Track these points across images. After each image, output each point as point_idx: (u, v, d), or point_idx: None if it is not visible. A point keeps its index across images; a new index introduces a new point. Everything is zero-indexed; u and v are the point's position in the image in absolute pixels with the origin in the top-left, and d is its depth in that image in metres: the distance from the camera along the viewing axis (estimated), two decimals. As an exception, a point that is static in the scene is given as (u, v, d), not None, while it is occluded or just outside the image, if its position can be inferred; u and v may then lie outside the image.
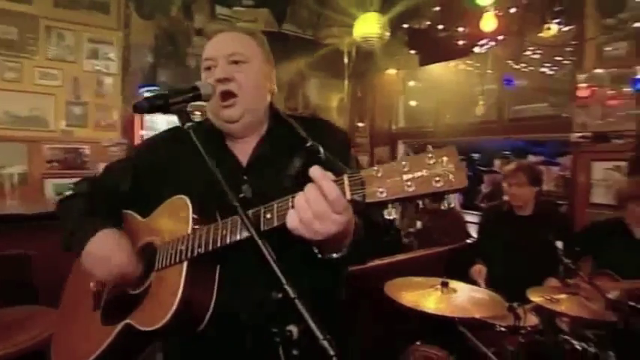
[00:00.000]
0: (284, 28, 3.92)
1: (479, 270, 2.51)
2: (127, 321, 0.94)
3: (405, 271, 2.16)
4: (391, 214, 0.69)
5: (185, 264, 0.87)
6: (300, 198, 0.71)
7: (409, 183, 0.65)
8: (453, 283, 1.93)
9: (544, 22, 3.30)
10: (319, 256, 0.82)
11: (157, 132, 3.24)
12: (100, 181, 1.17)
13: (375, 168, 0.68)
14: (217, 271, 0.90)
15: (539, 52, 3.92)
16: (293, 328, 0.78)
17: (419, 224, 2.86)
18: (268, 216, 0.77)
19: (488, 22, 2.55)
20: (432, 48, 3.59)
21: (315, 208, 0.69)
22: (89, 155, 3.57)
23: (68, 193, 1.16)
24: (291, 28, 3.97)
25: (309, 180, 0.76)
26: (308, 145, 0.93)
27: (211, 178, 0.93)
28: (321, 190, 0.69)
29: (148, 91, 3.62)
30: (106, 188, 1.13)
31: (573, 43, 3.28)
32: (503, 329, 1.94)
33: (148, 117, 3.60)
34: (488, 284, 2.35)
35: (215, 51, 1.02)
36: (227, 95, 0.99)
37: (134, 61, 3.76)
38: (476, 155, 8.19)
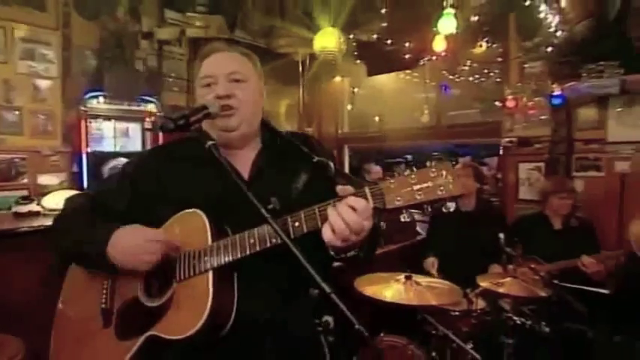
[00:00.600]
0: (236, 35, 3.95)
1: (431, 262, 2.79)
2: (151, 333, 0.96)
3: (369, 268, 2.34)
4: (405, 217, 0.84)
5: (211, 273, 0.92)
6: (332, 212, 0.82)
7: (419, 192, 0.81)
8: (415, 277, 2.15)
9: (476, 40, 3.71)
10: (335, 256, 0.92)
11: (104, 139, 3.14)
12: (97, 197, 1.16)
13: (391, 180, 0.83)
14: (235, 278, 0.96)
15: (471, 65, 4.36)
16: (329, 318, 0.89)
17: (383, 225, 3.09)
18: (297, 224, 0.87)
19: (439, 43, 2.85)
20: (380, 60, 3.86)
21: (347, 219, 0.81)
22: (26, 166, 3.30)
23: (63, 210, 1.15)
24: (243, 35, 4.01)
25: (318, 192, 0.89)
26: (315, 160, 1.02)
27: (211, 192, 1.02)
28: (349, 204, 0.81)
29: (93, 96, 3.46)
30: (103, 205, 1.12)
31: (500, 60, 3.73)
32: (457, 313, 2.19)
33: (95, 124, 3.44)
34: (440, 274, 2.63)
35: (215, 69, 1.08)
36: (226, 107, 1.05)
37: (76, 64, 3.55)
38: (409, 157, 8.77)
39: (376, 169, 6.50)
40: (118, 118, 3.58)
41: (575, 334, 2.40)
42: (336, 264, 0.99)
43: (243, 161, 1.10)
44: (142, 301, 1.01)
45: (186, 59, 4.03)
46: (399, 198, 0.81)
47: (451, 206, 0.85)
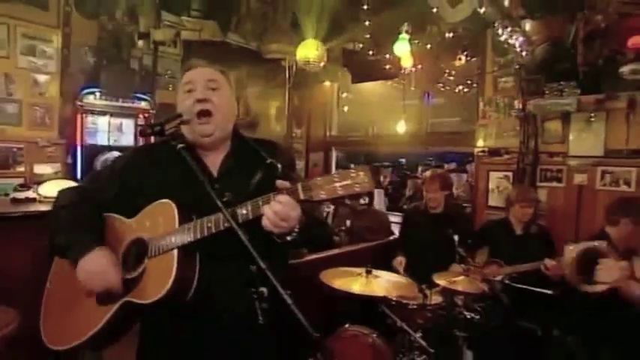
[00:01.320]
0: (228, 37, 4.14)
1: (399, 261, 3.01)
2: (126, 299, 1.16)
3: (337, 264, 2.55)
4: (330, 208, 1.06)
5: (176, 251, 1.12)
6: (267, 209, 1.04)
7: (340, 188, 1.01)
8: (376, 271, 2.36)
9: (456, 54, 3.93)
10: (278, 240, 1.12)
11: (99, 133, 3.35)
12: (88, 190, 1.35)
13: (319, 178, 1.04)
14: (197, 256, 1.16)
15: (452, 76, 4.58)
16: (264, 289, 1.10)
17: (348, 223, 3.30)
18: (244, 212, 1.08)
19: (406, 61, 3.08)
20: (363, 69, 4.07)
21: (275, 209, 1.04)
22: (23, 155, 3.49)
23: (58, 202, 1.33)
24: (235, 39, 4.21)
25: (269, 188, 1.09)
26: (268, 162, 1.24)
27: (185, 186, 1.22)
28: (277, 199, 1.04)
29: (90, 92, 3.64)
30: (91, 197, 1.31)
31: (478, 72, 3.95)
32: (414, 307, 2.40)
33: (90, 118, 3.63)
34: (406, 272, 2.84)
35: (195, 76, 1.27)
36: (203, 114, 1.25)
37: (74, 61, 3.73)
38: (403, 160, 9.03)
39: (280, 183, 6.71)
40: (112, 114, 3.76)
41: (525, 331, 2.62)
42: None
43: (215, 161, 1.31)
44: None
45: (180, 59, 4.21)
46: (323, 192, 1.02)
47: (366, 199, 1.06)
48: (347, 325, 2.56)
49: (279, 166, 1.21)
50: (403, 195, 6.64)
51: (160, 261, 1.14)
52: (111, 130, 3.77)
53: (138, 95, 3.85)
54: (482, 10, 2.16)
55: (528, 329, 2.62)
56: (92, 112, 3.67)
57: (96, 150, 3.65)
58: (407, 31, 2.85)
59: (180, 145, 1.17)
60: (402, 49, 2.92)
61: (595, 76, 2.68)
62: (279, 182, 1.05)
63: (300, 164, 5.46)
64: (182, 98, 1.28)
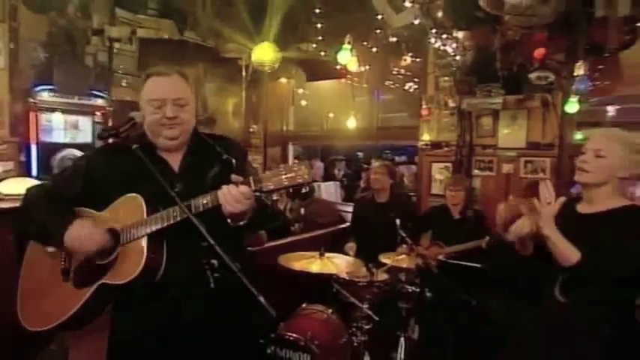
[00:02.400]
0: (185, 35, 4.23)
1: (350, 246, 3.31)
2: (102, 281, 1.33)
3: (294, 250, 2.80)
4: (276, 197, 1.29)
5: (145, 238, 1.29)
6: (225, 192, 1.24)
7: (285, 179, 1.21)
8: (329, 254, 2.63)
9: (402, 54, 4.27)
10: (231, 224, 1.32)
11: (54, 130, 3.42)
12: (53, 186, 1.48)
13: (268, 173, 1.25)
14: (165, 241, 1.34)
15: (400, 75, 4.93)
16: (214, 261, 1.33)
17: (302, 211, 3.57)
18: (204, 201, 1.28)
19: (352, 66, 3.37)
20: (316, 68, 4.32)
21: (236, 197, 1.24)
22: (-28, 155, 3.42)
23: (25, 198, 1.45)
24: (192, 36, 4.30)
25: (225, 181, 1.28)
26: (224, 157, 1.43)
27: (150, 182, 1.37)
28: (234, 188, 1.24)
29: (44, 89, 3.61)
30: (59, 193, 1.43)
31: (421, 72, 4.32)
32: (363, 284, 2.70)
33: (44, 115, 3.60)
34: (357, 256, 3.14)
35: (163, 94, 1.38)
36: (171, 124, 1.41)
37: (23, 57, 3.67)
38: (360, 154, 9.42)
39: (319, 165, 7.02)
40: (67, 111, 3.75)
41: (462, 302, 3.01)
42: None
43: (176, 158, 1.48)
44: (94, 260, 1.35)
45: (137, 56, 4.24)
46: (270, 183, 1.22)
47: (308, 188, 1.30)
48: (304, 305, 2.83)
49: (234, 161, 1.42)
50: (358, 187, 6.98)
51: (132, 247, 1.31)
52: (67, 128, 3.76)
53: (94, 92, 3.86)
54: (417, 22, 2.46)
55: (465, 300, 3.01)
56: (46, 110, 3.65)
57: (52, 148, 3.64)
58: (349, 42, 3.14)
59: (135, 146, 1.36)
60: (345, 58, 3.21)
61: (514, 79, 3.09)
62: (234, 177, 1.24)
63: (258, 159, 5.63)
64: (149, 110, 1.39)
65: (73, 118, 3.77)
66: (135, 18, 3.93)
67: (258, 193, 1.23)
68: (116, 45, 4.11)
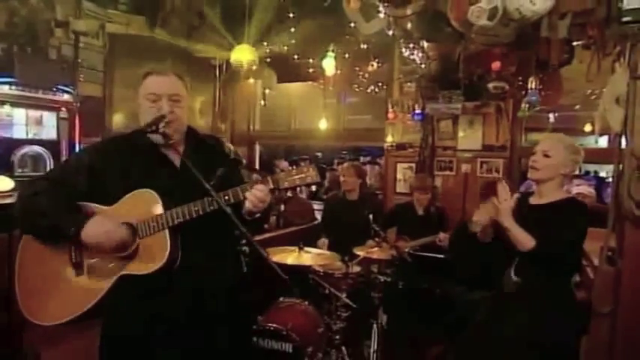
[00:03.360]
0: (156, 33, 4.20)
1: (323, 242, 3.49)
2: (124, 272, 1.38)
3: (273, 245, 2.92)
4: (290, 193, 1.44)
5: (167, 230, 1.37)
6: (250, 195, 1.37)
7: (297, 179, 1.38)
8: (306, 248, 2.78)
9: (369, 60, 4.49)
10: (248, 217, 1.44)
11: (15, 126, 3.29)
12: (57, 182, 1.46)
13: (282, 173, 1.41)
14: (179, 235, 1.41)
15: (365, 79, 5.16)
16: (246, 248, 1.45)
17: (282, 207, 3.70)
18: (227, 197, 1.38)
19: (330, 71, 3.55)
20: (288, 70, 4.44)
21: (257, 196, 1.37)
22: None
23: (28, 191, 1.45)
24: (162, 34, 4.27)
25: (234, 178, 1.42)
26: (232, 157, 1.56)
27: (153, 177, 1.46)
28: (257, 188, 1.38)
29: (3, 82, 3.44)
30: (64, 189, 1.43)
31: (387, 77, 4.57)
32: (339, 275, 2.87)
33: (4, 110, 3.44)
34: (329, 251, 3.31)
35: (160, 90, 1.47)
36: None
37: (-21, 48, 3.48)
38: (319, 154, 9.61)
39: (284, 165, 7.13)
40: (30, 106, 3.59)
41: (426, 291, 3.27)
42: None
43: (177, 155, 1.54)
44: (110, 253, 1.39)
45: (105, 52, 4.14)
46: (286, 182, 1.39)
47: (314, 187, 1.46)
48: (281, 298, 2.95)
49: (244, 160, 1.57)
50: (322, 185, 7.17)
51: (153, 239, 1.38)
52: (29, 123, 3.61)
53: (60, 87, 3.73)
54: (390, 32, 2.67)
55: (429, 289, 3.27)
56: (6, 104, 3.48)
57: (12, 144, 3.48)
58: (332, 50, 3.31)
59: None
60: (330, 65, 3.38)
61: (474, 87, 3.40)
62: (255, 176, 1.42)
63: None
64: (146, 105, 1.48)
65: (36, 113, 3.62)
66: (103, 12, 3.84)
67: (276, 192, 1.39)
68: (83, 39, 3.99)
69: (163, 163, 1.50)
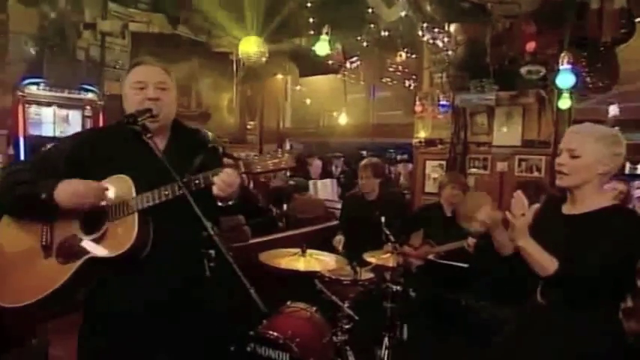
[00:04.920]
0: (178, 30, 4.20)
1: (339, 240, 3.27)
2: (89, 255, 1.35)
3: (278, 247, 2.74)
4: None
5: (136, 213, 1.34)
6: (217, 179, 1.31)
7: (271, 164, 1.33)
8: (311, 251, 2.58)
9: (397, 50, 4.20)
10: (221, 204, 1.38)
11: (44, 124, 3.39)
12: (36, 165, 1.47)
13: (255, 158, 1.36)
14: (151, 220, 1.37)
15: (397, 71, 4.87)
16: (212, 251, 1.36)
17: (285, 207, 3.54)
18: (197, 182, 1.34)
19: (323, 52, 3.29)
20: (309, 64, 4.26)
21: (228, 180, 1.31)
22: (-37, 145, 3.42)
23: (8, 170, 1.46)
24: (185, 31, 4.26)
25: (211, 166, 1.35)
26: (210, 146, 1.51)
27: (135, 164, 1.41)
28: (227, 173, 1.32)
29: (33, 82, 3.60)
30: (42, 171, 1.42)
31: (417, 67, 4.25)
32: (347, 282, 2.64)
33: (33, 109, 3.59)
34: (345, 249, 3.10)
35: (147, 77, 1.46)
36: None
37: (14, 50, 3.67)
38: (364, 152, 9.33)
39: (317, 163, 6.96)
40: (57, 105, 3.74)
41: (451, 302, 2.94)
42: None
43: (160, 144, 1.50)
44: (79, 236, 1.38)
45: (129, 51, 4.21)
46: (258, 167, 1.35)
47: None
48: (288, 303, 2.78)
49: (221, 148, 1.52)
50: (355, 184, 6.92)
51: (121, 223, 1.35)
52: (56, 122, 3.75)
53: (85, 86, 3.84)
54: (403, 14, 2.40)
55: (454, 300, 2.94)
56: (35, 103, 3.64)
57: (41, 141, 3.61)
58: (327, 32, 3.07)
59: (149, 135, 1.39)
60: (323, 48, 3.15)
61: (509, 75, 3.01)
62: (226, 160, 1.36)
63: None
64: (132, 93, 1.46)
65: (63, 112, 3.77)
66: (126, 11, 3.90)
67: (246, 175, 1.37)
68: (108, 39, 4.09)
69: (145, 151, 1.45)
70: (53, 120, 3.75)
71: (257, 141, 5.73)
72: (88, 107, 3.86)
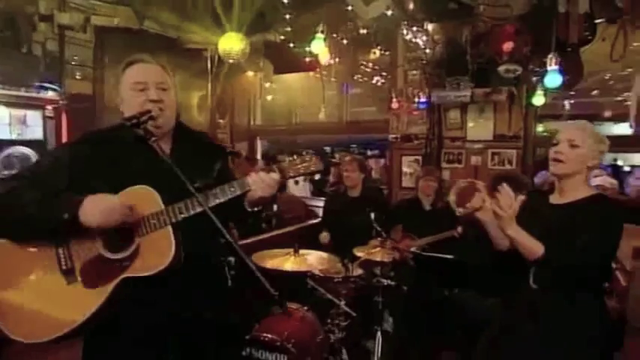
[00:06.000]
0: (145, 25, 4.00)
1: (325, 236, 3.29)
2: (125, 275, 1.24)
3: (267, 247, 2.71)
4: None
5: (170, 226, 1.26)
6: (258, 179, 1.31)
7: (302, 168, 1.35)
8: (303, 251, 2.57)
9: (371, 47, 4.24)
10: (249, 209, 1.39)
11: None
12: (36, 179, 1.31)
13: (286, 163, 1.35)
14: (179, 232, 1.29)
15: (368, 68, 4.92)
16: (232, 258, 1.30)
17: (275, 207, 3.50)
18: (232, 189, 1.30)
19: (323, 57, 3.31)
20: (284, 60, 4.21)
21: (270, 183, 1.33)
22: None
23: (7, 186, 1.29)
24: (153, 26, 4.07)
25: (228, 171, 1.33)
26: (228, 150, 1.44)
27: (143, 173, 1.33)
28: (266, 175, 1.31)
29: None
30: (45, 187, 1.28)
31: (391, 65, 4.32)
32: (339, 279, 2.66)
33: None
34: (331, 246, 3.11)
35: (147, 77, 1.37)
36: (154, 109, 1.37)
37: (-44, 43, 3.33)
38: (327, 148, 9.37)
39: (261, 166, 6.92)
40: (12, 105, 3.44)
41: (434, 293, 3.03)
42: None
43: (165, 148, 1.40)
44: (106, 256, 1.27)
45: (93, 46, 3.96)
46: (291, 171, 1.36)
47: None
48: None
49: (243, 152, 1.46)
50: (326, 181, 6.95)
51: (155, 236, 1.26)
52: (12, 123, 3.45)
53: (44, 85, 3.56)
54: (389, 13, 2.43)
55: (437, 291, 3.03)
56: (-14, 103, 3.33)
57: (-5, 145, 3.34)
58: (322, 31, 3.07)
59: (153, 139, 1.31)
60: (319, 47, 3.14)
61: (485, 72, 3.13)
62: (260, 165, 1.28)
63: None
64: (132, 95, 1.36)
65: (19, 112, 3.46)
66: (88, 4, 3.65)
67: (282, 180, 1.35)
68: (69, 33, 3.81)
69: (151, 158, 1.35)
70: (9, 121, 3.45)
71: (228, 139, 5.59)
72: (49, 107, 3.58)
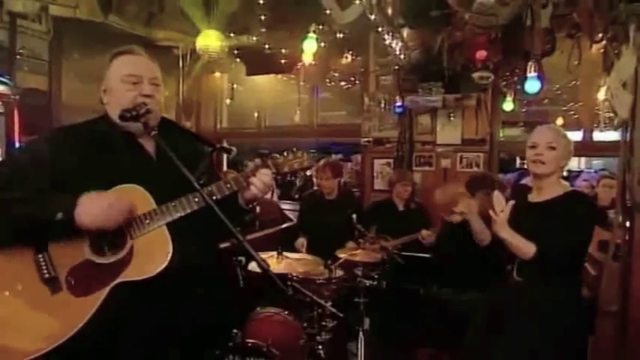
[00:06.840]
0: (110, 19, 3.78)
1: (301, 242, 3.25)
2: (119, 280, 1.15)
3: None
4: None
5: (165, 227, 1.20)
6: (255, 180, 1.29)
7: (295, 164, 1.36)
8: (285, 253, 2.53)
9: (342, 52, 4.29)
10: (245, 207, 1.37)
11: None
12: (15, 179, 1.19)
13: (279, 159, 1.34)
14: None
15: (337, 73, 4.96)
16: (242, 258, 1.25)
17: (258, 209, 3.42)
18: (228, 185, 1.27)
19: (308, 57, 3.31)
20: (259, 62, 4.15)
21: (267, 181, 1.31)
22: None
23: None
24: (118, 21, 3.86)
25: (212, 168, 1.25)
26: (218, 147, 1.43)
27: (129, 169, 1.27)
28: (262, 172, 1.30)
29: None
30: (25, 186, 1.17)
31: (362, 70, 4.38)
32: (322, 281, 2.64)
33: None
34: (308, 251, 3.07)
35: (142, 71, 1.32)
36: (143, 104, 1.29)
37: None
38: (285, 153, 9.34)
39: (257, 162, 6.80)
40: (-41, 98, 3.12)
41: (410, 292, 3.09)
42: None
43: (150, 143, 1.35)
44: (95, 261, 1.17)
45: (49, 38, 3.68)
46: (285, 167, 1.37)
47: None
48: (258, 309, 2.68)
49: (234, 148, 1.51)
50: (294, 184, 6.91)
51: (150, 238, 1.19)
52: (-42, 118, 3.13)
53: (-6, 77, 3.27)
54: (372, 17, 2.47)
55: (412, 290, 3.10)
56: None
57: None
58: (314, 31, 3.06)
59: (154, 132, 1.26)
60: (311, 47, 3.13)
61: (455, 79, 3.27)
62: (256, 160, 1.34)
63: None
64: (123, 88, 1.29)
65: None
66: (47, -7, 3.40)
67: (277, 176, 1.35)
68: (22, 23, 3.52)
69: (139, 154, 1.32)
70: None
71: (194, 141, 5.40)
72: None
